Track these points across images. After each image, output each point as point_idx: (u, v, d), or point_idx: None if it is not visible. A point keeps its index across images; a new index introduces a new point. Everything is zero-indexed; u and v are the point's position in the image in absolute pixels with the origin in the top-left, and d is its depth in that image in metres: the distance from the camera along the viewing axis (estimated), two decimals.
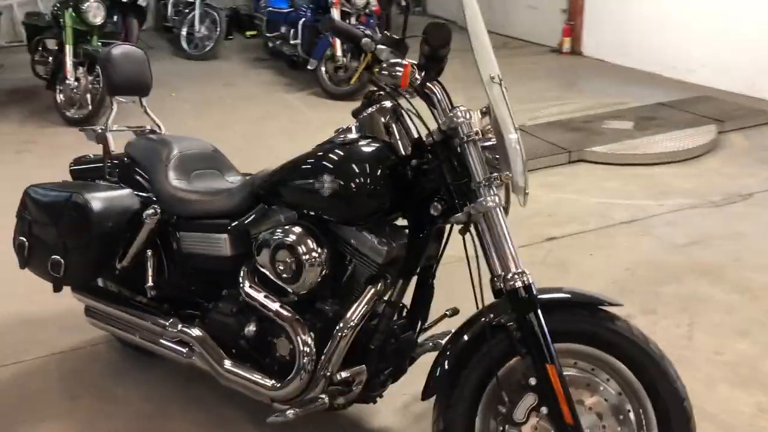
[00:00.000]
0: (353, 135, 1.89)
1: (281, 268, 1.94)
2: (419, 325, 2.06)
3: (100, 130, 2.53)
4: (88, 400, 2.47)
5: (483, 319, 1.71)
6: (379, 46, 1.60)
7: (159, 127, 2.68)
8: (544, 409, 1.66)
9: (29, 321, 2.94)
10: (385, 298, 1.93)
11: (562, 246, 3.52)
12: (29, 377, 2.61)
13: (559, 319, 1.69)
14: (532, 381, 1.66)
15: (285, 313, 1.97)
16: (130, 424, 2.34)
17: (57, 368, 2.66)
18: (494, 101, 1.69)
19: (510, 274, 1.66)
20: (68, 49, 5.64)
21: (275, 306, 1.98)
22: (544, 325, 1.64)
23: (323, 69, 6.60)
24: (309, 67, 6.74)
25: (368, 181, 1.81)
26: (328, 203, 1.85)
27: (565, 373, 1.66)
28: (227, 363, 2.10)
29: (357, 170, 1.82)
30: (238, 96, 6.81)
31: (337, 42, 6.44)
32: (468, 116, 1.72)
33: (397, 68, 1.60)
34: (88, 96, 5.69)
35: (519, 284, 1.65)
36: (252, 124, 5.89)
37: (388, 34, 1.80)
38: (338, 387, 1.94)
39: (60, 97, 5.79)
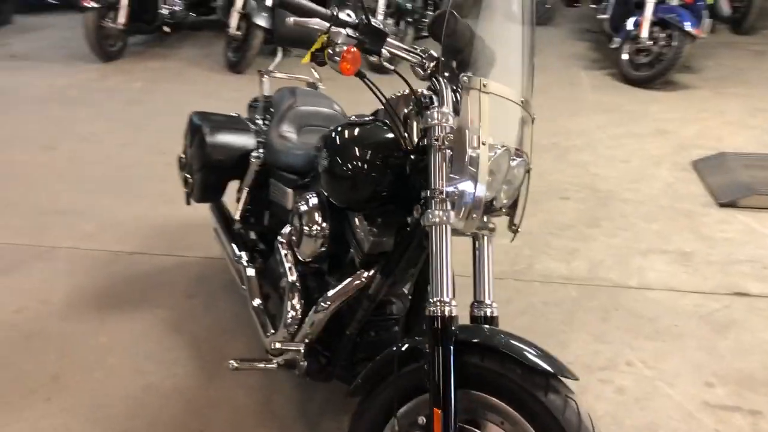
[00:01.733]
0: (368, 117, 1.84)
1: (293, 231, 2.02)
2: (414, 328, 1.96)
3: (263, 74, 2.81)
4: (200, 299, 2.88)
5: (410, 343, 1.59)
6: (335, 28, 1.51)
7: (318, 81, 2.86)
8: None
9: (191, 225, 3.47)
10: (370, 291, 1.88)
11: (750, 307, 2.87)
12: (163, 270, 3.11)
13: (483, 366, 1.48)
14: (421, 420, 1.51)
15: (289, 275, 2.05)
16: (226, 322, 2.70)
17: (188, 269, 3.12)
18: (467, 108, 1.50)
19: (435, 299, 1.50)
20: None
21: (286, 266, 2.08)
22: (449, 365, 1.46)
23: (626, 49, 6.09)
24: (611, 46, 6.30)
25: (357, 165, 1.75)
26: (323, 179, 1.85)
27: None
28: (256, 302, 2.28)
29: (349, 153, 1.76)
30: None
31: (645, 21, 5.87)
32: (445, 120, 1.55)
33: (336, 55, 1.50)
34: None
35: (438, 313, 1.48)
36: None
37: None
38: (316, 358, 1.99)
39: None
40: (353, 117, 1.86)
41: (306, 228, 1.94)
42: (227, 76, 6.48)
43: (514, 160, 1.62)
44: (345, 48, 1.48)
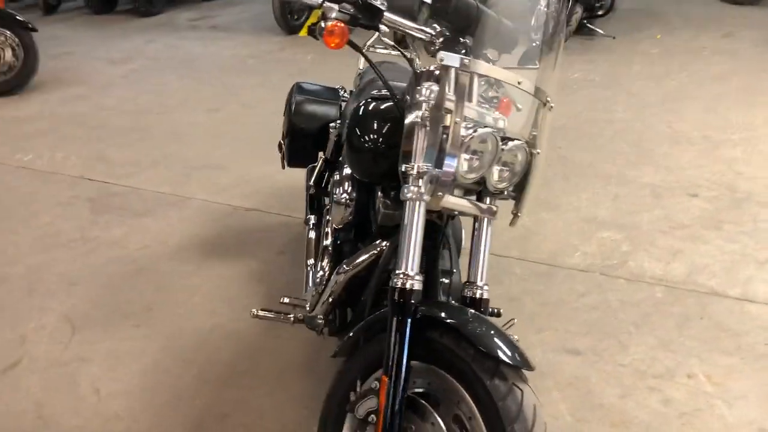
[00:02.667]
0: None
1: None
2: None
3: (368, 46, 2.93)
4: (288, 256, 3.11)
5: (384, 313, 1.64)
6: (328, 3, 1.56)
7: (416, 57, 2.91)
8: (373, 417, 1.56)
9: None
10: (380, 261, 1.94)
11: None
12: (269, 227, 3.37)
13: (441, 343, 1.51)
14: (374, 385, 1.57)
15: (324, 239, 2.17)
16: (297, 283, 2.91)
17: (289, 229, 3.35)
18: (444, 85, 1.51)
19: (399, 272, 1.54)
20: None
21: (325, 231, 2.20)
22: (404, 337, 1.50)
23: None
24: None
25: (372, 139, 1.81)
26: (345, 151, 1.93)
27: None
28: (309, 261, 2.44)
29: (365, 127, 1.83)
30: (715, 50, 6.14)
31: None
32: (432, 97, 1.57)
33: (323, 29, 1.55)
34: None
35: (400, 285, 1.53)
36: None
37: None
38: (334, 318, 2.11)
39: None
40: (374, 90, 1.93)
41: (335, 195, 2.05)
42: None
43: (507, 142, 1.59)
44: (331, 23, 1.54)
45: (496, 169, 1.61)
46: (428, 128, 1.55)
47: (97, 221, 3.48)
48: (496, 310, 2.15)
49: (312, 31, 1.61)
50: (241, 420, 2.19)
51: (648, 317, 2.62)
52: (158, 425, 2.16)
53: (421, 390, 1.59)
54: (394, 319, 1.52)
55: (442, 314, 1.54)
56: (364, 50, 2.81)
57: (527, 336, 2.53)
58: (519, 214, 1.71)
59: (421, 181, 1.54)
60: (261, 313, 2.22)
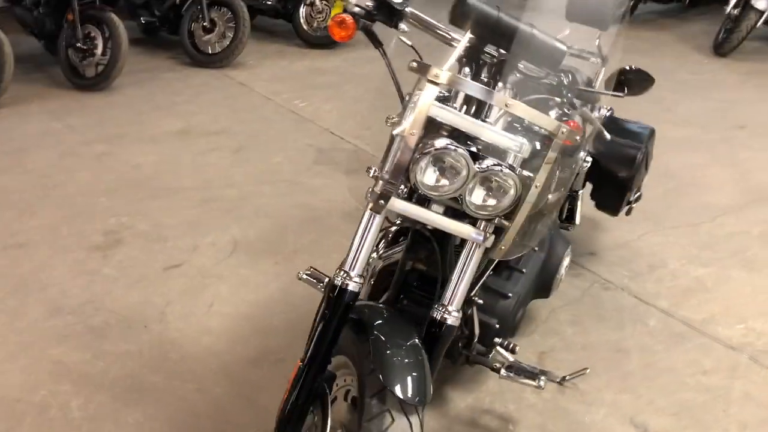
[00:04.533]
0: None
1: None
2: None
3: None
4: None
5: None
6: None
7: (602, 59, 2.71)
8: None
9: None
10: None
11: None
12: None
13: (356, 344, 1.58)
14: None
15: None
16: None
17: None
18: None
19: (341, 270, 1.60)
20: None
21: None
22: (327, 329, 1.59)
23: None
24: None
25: None
26: None
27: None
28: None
29: None
30: None
31: None
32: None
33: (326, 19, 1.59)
34: None
35: (338, 282, 1.59)
36: None
37: None
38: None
39: None
40: None
41: None
42: (708, 58, 6.05)
43: (486, 168, 1.50)
44: (338, 15, 1.61)
45: (479, 192, 1.54)
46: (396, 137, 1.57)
47: (311, 169, 3.96)
48: (511, 345, 2.04)
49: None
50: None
51: (764, 425, 2.15)
52: (237, 347, 2.50)
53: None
54: (325, 311, 1.60)
55: (364, 318, 1.59)
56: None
57: (602, 392, 2.29)
58: (499, 246, 1.60)
59: (377, 185, 1.57)
60: (305, 277, 2.29)
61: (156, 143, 4.29)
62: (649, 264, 3.02)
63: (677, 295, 2.80)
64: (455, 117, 1.51)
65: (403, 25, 1.65)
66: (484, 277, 2.13)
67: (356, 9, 1.63)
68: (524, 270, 2.24)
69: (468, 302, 2.05)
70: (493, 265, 2.19)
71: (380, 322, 1.62)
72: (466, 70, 1.67)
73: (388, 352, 1.52)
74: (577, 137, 1.56)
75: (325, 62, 6.08)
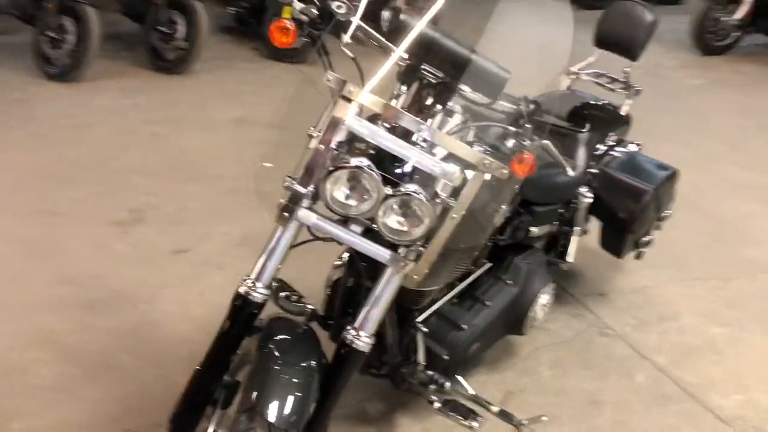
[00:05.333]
0: None
1: None
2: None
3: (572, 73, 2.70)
4: None
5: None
6: (297, 3, 1.54)
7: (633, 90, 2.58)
8: None
9: None
10: None
11: None
12: None
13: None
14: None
15: None
16: None
17: None
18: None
19: (247, 279, 1.60)
20: None
21: None
22: (224, 334, 1.61)
23: None
24: None
25: None
26: None
27: None
28: None
29: None
30: None
31: None
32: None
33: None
34: None
35: (242, 292, 1.59)
36: None
37: None
38: None
39: None
40: None
41: None
42: None
43: (396, 193, 1.45)
44: (280, 21, 1.59)
45: (394, 216, 1.49)
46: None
47: None
48: (440, 381, 1.97)
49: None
50: None
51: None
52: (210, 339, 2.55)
53: None
54: (226, 319, 1.60)
55: (269, 335, 1.59)
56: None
57: None
58: (411, 275, 1.55)
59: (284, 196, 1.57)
60: None
61: (210, 129, 4.43)
62: (659, 314, 2.82)
63: (679, 352, 2.60)
64: (374, 134, 1.47)
65: (346, 37, 1.62)
66: (438, 304, 2.07)
67: (302, 17, 1.61)
68: (488, 303, 2.15)
69: (412, 327, 2.00)
70: (454, 291, 2.13)
71: (283, 337, 1.61)
72: (403, 88, 1.63)
73: (274, 368, 1.51)
74: (505, 171, 1.48)
75: None
